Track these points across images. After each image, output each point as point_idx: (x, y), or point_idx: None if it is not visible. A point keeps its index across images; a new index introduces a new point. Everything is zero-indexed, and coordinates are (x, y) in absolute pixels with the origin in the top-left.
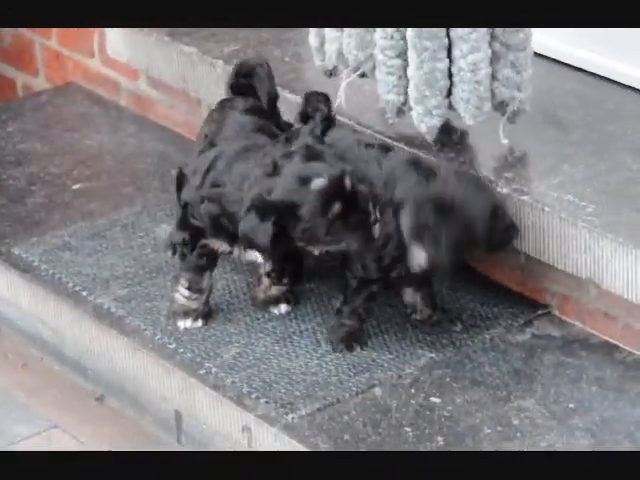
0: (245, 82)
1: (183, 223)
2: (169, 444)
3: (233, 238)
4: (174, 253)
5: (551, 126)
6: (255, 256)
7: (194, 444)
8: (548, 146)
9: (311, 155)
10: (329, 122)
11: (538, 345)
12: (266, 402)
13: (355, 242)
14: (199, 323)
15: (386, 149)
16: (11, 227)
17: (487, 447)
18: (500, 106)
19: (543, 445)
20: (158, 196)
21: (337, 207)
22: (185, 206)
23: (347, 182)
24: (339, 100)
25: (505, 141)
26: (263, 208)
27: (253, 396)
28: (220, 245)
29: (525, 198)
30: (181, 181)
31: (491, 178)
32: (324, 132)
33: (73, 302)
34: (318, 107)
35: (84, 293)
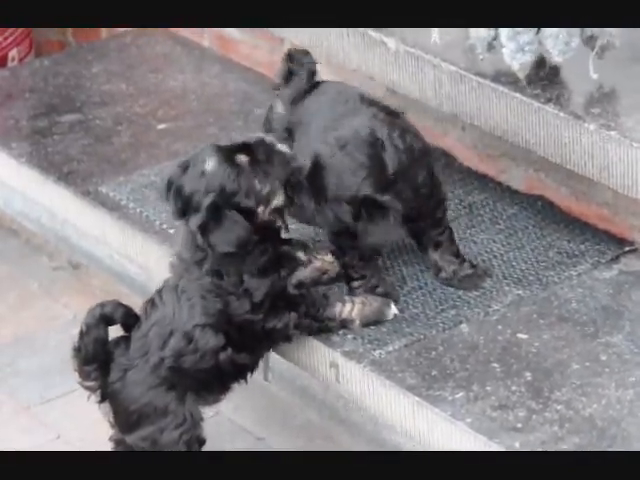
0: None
1: None
2: (257, 382)
3: None
4: None
5: (636, 61)
6: None
7: (281, 381)
8: (634, 81)
9: None
10: (313, 79)
11: (626, 281)
12: (353, 338)
13: None
14: None
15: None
16: (98, 166)
17: (575, 382)
18: (589, 40)
19: (631, 380)
20: (242, 135)
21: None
22: None
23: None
24: (434, 37)
25: (595, 76)
26: None
27: (340, 332)
28: None
29: (612, 133)
30: None
31: (578, 114)
32: (310, 89)
33: (160, 239)
34: (303, 63)
35: (171, 231)
